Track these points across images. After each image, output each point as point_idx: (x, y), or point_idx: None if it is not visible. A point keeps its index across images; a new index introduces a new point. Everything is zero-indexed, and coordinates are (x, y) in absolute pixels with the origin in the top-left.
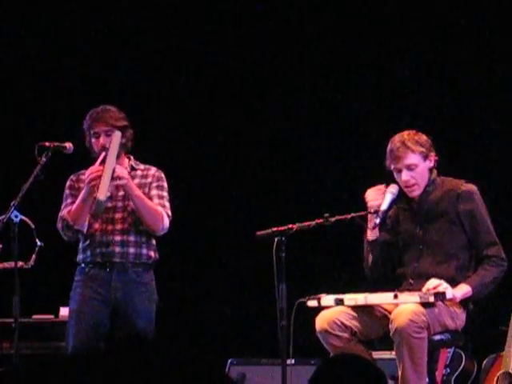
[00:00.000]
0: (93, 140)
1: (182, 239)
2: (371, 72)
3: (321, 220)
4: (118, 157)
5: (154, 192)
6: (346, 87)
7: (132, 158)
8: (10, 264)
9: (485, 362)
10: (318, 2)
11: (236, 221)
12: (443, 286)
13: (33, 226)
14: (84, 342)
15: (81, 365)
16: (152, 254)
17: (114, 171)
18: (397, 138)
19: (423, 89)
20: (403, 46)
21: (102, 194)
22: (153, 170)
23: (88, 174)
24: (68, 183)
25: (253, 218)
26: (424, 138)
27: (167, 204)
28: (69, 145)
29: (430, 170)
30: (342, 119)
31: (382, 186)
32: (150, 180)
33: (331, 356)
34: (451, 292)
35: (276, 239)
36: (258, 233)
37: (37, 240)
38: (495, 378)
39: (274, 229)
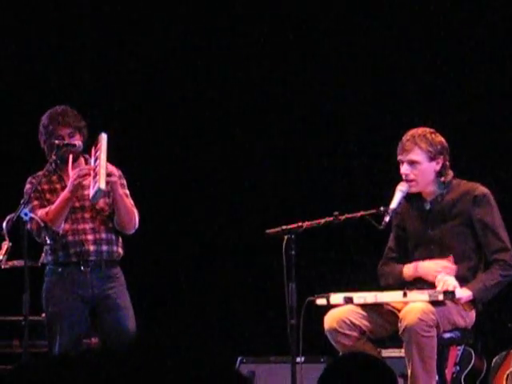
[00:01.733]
0: (55, 142)
1: (193, 237)
2: (384, 69)
3: (330, 218)
4: (77, 160)
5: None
6: (358, 86)
7: (88, 157)
8: (19, 262)
9: (494, 359)
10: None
11: (246, 219)
12: (452, 283)
13: (42, 224)
14: (72, 344)
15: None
16: (120, 250)
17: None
18: (411, 131)
19: (438, 86)
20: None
21: (103, 183)
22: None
23: (77, 171)
24: (28, 185)
25: (263, 215)
26: (438, 139)
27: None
28: (78, 143)
29: (440, 173)
30: (351, 117)
31: None
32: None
33: (341, 355)
34: (460, 292)
35: (286, 237)
36: (268, 231)
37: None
38: (505, 376)
39: (284, 227)
